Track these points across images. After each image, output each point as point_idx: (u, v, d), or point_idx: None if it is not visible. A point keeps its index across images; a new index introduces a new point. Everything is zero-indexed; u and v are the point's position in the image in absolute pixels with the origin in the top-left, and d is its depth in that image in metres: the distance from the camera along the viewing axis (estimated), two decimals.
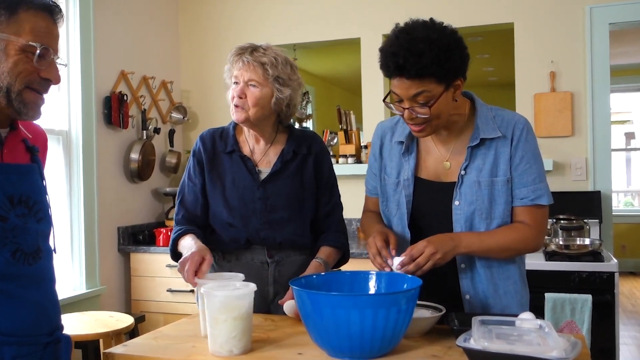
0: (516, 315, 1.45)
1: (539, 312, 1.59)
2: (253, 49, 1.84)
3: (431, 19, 1.57)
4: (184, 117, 4.16)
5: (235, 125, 1.95)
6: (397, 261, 1.57)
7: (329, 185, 1.96)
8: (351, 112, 4.04)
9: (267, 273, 1.87)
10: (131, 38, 3.80)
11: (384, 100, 1.62)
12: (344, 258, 1.98)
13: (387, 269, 1.59)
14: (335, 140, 4.10)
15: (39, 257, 1.34)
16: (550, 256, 3.00)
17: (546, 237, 3.11)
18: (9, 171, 1.30)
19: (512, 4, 3.62)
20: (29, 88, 1.27)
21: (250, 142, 1.93)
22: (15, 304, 1.29)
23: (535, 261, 2.94)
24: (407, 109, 1.56)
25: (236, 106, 1.83)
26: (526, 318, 1.41)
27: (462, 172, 1.65)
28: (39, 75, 1.28)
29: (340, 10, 3.95)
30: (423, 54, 1.48)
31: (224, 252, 1.91)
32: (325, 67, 7.26)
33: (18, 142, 1.36)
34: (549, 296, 2.80)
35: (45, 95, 1.32)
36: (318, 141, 1.99)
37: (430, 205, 1.69)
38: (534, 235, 1.65)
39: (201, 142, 1.95)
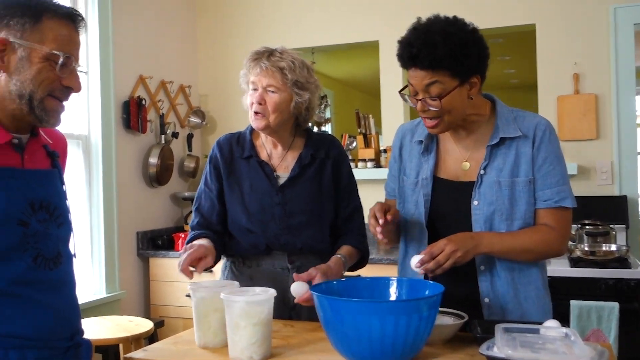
0: (540, 323, 1.43)
1: (564, 320, 1.57)
2: (269, 54, 1.84)
3: (454, 16, 1.60)
4: (202, 122, 4.19)
5: (252, 130, 1.95)
6: (416, 259, 1.56)
7: (348, 189, 1.96)
8: (370, 115, 4.03)
9: (288, 279, 1.87)
10: (149, 43, 3.85)
11: (400, 92, 1.65)
12: (363, 260, 1.97)
13: (378, 229, 1.59)
14: (354, 144, 4.10)
15: (59, 262, 1.36)
16: (576, 262, 2.97)
17: (571, 243, 3.07)
18: (30, 177, 1.32)
19: (534, 5, 3.59)
20: (50, 96, 1.30)
21: (268, 147, 1.94)
22: (36, 309, 1.30)
23: (560, 267, 2.91)
24: (420, 100, 1.58)
25: (256, 113, 1.83)
26: (551, 326, 1.39)
27: (482, 172, 1.65)
28: (61, 83, 1.30)
29: (358, 13, 3.95)
30: (437, 46, 1.51)
31: (244, 258, 1.91)
32: (343, 71, 7.27)
33: (39, 147, 1.39)
34: (574, 304, 2.77)
35: (65, 103, 1.34)
36: (336, 145, 1.99)
37: (449, 206, 1.69)
38: (558, 238, 1.63)
39: (218, 147, 1.95)
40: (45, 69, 1.27)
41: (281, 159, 1.92)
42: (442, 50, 1.51)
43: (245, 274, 1.90)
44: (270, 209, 1.86)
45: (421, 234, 1.71)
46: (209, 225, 1.92)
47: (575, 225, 3.21)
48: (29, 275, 1.29)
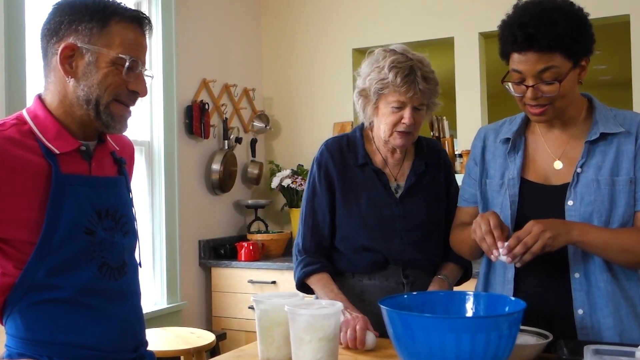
0: (636, 345, 1.37)
1: None
2: (418, 69, 1.75)
3: None
4: (266, 126, 4.26)
5: (362, 134, 1.90)
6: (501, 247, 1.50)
7: (455, 198, 1.92)
8: (444, 118, 3.99)
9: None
10: (213, 45, 3.95)
11: (502, 81, 1.61)
12: (466, 275, 1.96)
13: (495, 253, 1.50)
14: None
15: (124, 271, 1.41)
16: None
17: None
18: (97, 185, 1.39)
19: None
20: (116, 100, 1.36)
21: (384, 153, 1.88)
22: (102, 319, 1.36)
23: None
24: (532, 86, 1.53)
25: (405, 132, 1.78)
26: None
27: (578, 170, 1.60)
28: (127, 87, 1.36)
29: (431, 9, 3.91)
30: (557, 23, 1.48)
31: (354, 273, 1.86)
32: None
33: (106, 154, 1.45)
34: None
35: (131, 108, 1.40)
36: (445, 152, 1.99)
37: (538, 209, 1.62)
38: None
39: (328, 152, 1.87)
40: (112, 73, 1.33)
41: (397, 167, 1.89)
42: (562, 28, 1.48)
43: (355, 289, 1.84)
44: (391, 223, 1.82)
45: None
46: (323, 242, 1.86)
47: None
48: (95, 285, 1.35)
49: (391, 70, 1.74)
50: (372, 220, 1.82)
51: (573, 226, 1.52)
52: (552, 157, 1.66)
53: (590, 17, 1.59)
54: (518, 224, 1.64)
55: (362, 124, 1.93)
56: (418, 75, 1.74)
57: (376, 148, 1.89)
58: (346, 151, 1.88)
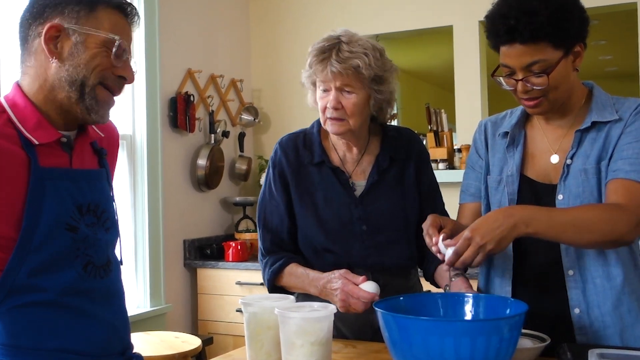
0: None
1: None
2: (337, 49, 1.72)
3: None
4: (254, 119, 4.26)
5: (320, 129, 1.89)
6: (447, 254, 1.50)
7: (432, 191, 1.91)
8: (442, 110, 3.99)
9: None
10: (198, 34, 3.94)
11: (492, 75, 1.62)
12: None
13: (434, 248, 1.54)
14: (424, 143, 4.06)
15: (109, 269, 1.41)
16: None
17: None
18: (78, 178, 1.38)
19: None
20: (102, 85, 1.36)
21: (340, 150, 1.86)
22: (88, 321, 1.36)
23: None
24: (521, 80, 1.54)
25: (333, 118, 1.75)
26: None
27: (568, 162, 1.60)
28: (114, 72, 1.36)
29: None
30: (537, 13, 1.48)
31: None
32: (412, 60, 7.23)
33: (87, 145, 1.45)
34: None
35: (116, 98, 1.41)
36: (417, 140, 1.94)
37: None
38: (627, 217, 1.47)
39: (282, 151, 1.87)
40: (101, 54, 1.34)
41: (356, 164, 1.86)
42: (544, 17, 1.48)
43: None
44: (350, 225, 1.81)
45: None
46: (282, 244, 1.85)
47: None
48: (80, 285, 1.34)
49: (311, 54, 1.76)
50: (330, 222, 1.81)
51: (520, 217, 1.46)
52: (550, 151, 1.66)
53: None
54: None
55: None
56: (333, 56, 1.71)
57: (333, 144, 1.87)
58: (302, 149, 1.86)
